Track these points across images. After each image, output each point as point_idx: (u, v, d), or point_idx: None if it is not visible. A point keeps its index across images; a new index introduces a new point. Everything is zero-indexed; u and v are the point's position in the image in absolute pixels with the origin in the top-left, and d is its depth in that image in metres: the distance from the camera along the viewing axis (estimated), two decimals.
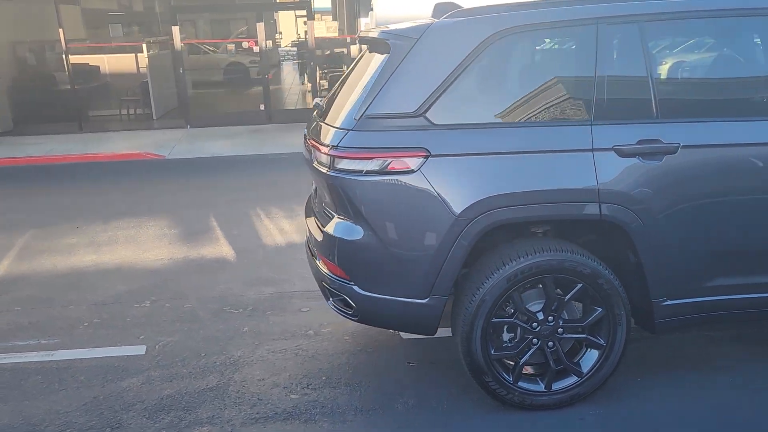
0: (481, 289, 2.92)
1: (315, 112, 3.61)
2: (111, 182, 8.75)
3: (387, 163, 2.86)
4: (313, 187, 3.67)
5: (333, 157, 2.95)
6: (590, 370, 3.09)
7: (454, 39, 2.97)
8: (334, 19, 23.29)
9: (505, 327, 3.08)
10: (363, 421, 3.15)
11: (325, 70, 14.95)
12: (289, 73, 25.50)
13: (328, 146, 2.99)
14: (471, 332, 2.97)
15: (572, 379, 3.11)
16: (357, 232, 2.97)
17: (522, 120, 2.98)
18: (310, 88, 15.31)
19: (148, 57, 13.55)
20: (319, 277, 3.36)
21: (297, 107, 15.55)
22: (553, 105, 3.01)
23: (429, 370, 3.58)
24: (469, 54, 2.91)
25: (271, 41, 22.49)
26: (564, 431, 3.03)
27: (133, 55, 14.44)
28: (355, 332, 4.01)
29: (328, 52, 16.15)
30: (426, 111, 2.90)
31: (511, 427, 3.06)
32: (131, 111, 13.95)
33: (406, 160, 2.85)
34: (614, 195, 2.88)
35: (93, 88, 14.21)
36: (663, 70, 3.16)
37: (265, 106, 13.24)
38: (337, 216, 3.10)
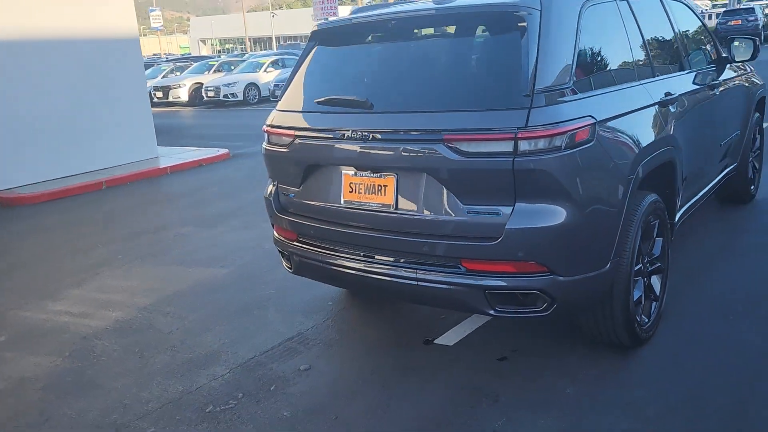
0: (629, 240, 3.10)
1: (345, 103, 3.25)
2: None
3: (574, 135, 2.79)
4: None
5: (522, 140, 2.72)
6: (660, 293, 3.60)
7: (568, 6, 3.08)
8: None
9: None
10: None
11: None
12: None
13: (509, 129, 2.74)
14: (628, 283, 3.14)
15: (654, 304, 3.55)
16: (557, 215, 2.80)
17: (634, 79, 3.47)
18: None
19: None
20: (467, 292, 2.96)
21: None
22: (647, 61, 3.70)
23: None
24: (578, 20, 3.08)
25: None
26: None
27: None
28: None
29: None
30: (573, 80, 2.95)
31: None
32: None
33: (586, 129, 2.85)
34: (676, 139, 3.67)
35: None
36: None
37: None
38: (518, 208, 2.81)
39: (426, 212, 3.02)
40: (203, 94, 22.77)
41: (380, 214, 3.16)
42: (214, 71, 25.01)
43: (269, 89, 21.18)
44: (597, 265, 2.96)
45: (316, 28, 3.67)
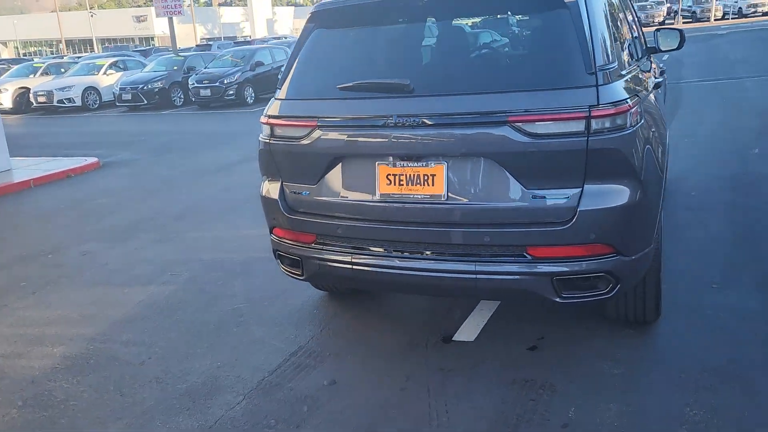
0: (660, 214, 3.23)
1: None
2: None
3: (633, 112, 2.75)
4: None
5: (595, 118, 2.64)
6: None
7: None
8: None
9: None
10: None
11: None
12: None
13: (582, 108, 2.64)
14: (660, 258, 3.28)
15: None
16: (624, 194, 2.75)
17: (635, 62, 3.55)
18: None
19: None
20: (533, 281, 2.85)
21: None
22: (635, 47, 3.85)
23: None
24: (604, 3, 3.11)
25: None
26: None
27: None
28: None
29: None
30: (616, 59, 2.95)
31: None
32: None
33: (638, 107, 2.85)
34: None
35: None
36: None
37: None
38: (587, 190, 2.74)
39: (484, 200, 2.86)
40: (32, 100, 20.33)
41: (428, 206, 2.94)
42: (41, 74, 22.46)
43: (114, 93, 19.41)
44: (649, 242, 2.99)
45: (315, 10, 3.33)
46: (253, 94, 17.57)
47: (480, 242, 2.86)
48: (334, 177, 3.13)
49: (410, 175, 2.95)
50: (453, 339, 3.61)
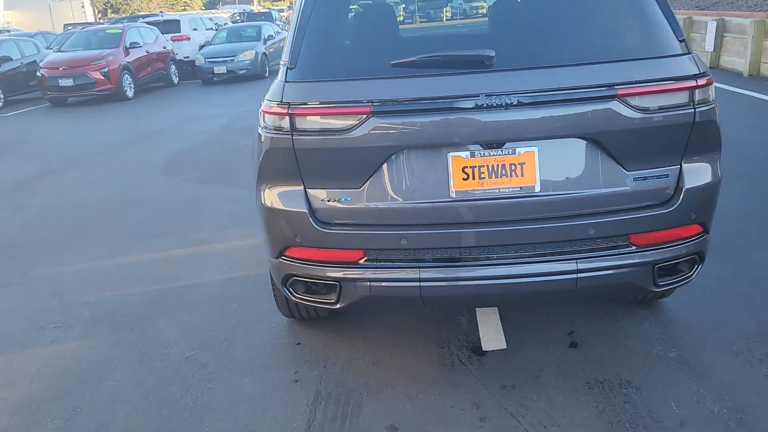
0: None
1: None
2: None
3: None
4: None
5: (699, 88, 2.46)
6: None
7: None
8: None
9: None
10: None
11: None
12: None
13: (689, 78, 2.45)
14: None
15: None
16: (714, 170, 2.61)
17: None
18: None
19: None
20: (636, 272, 2.59)
21: None
22: None
23: None
24: None
25: None
26: None
27: None
28: None
29: None
30: None
31: None
32: None
33: None
34: None
35: None
36: None
37: None
38: (685, 167, 2.56)
39: (582, 187, 2.50)
40: None
41: (518, 201, 2.48)
42: None
43: None
44: None
45: None
46: (1, 97, 14.61)
47: (582, 236, 2.50)
48: (387, 176, 2.50)
49: (493, 165, 2.47)
50: (485, 350, 3.20)
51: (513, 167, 2.47)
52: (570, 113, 2.41)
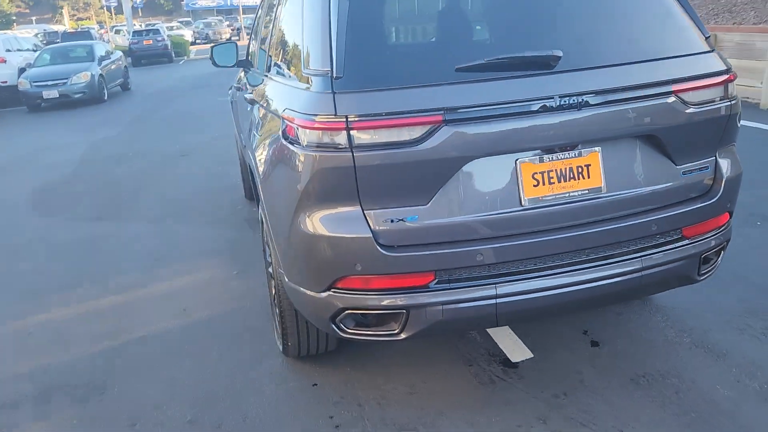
0: None
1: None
2: None
3: None
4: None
5: (729, 82, 2.57)
6: None
7: None
8: None
9: None
10: None
11: None
12: None
13: (722, 73, 2.57)
14: None
15: None
16: (738, 159, 2.73)
17: None
18: None
19: None
20: (688, 264, 2.64)
21: None
22: None
23: None
24: None
25: None
26: None
27: None
28: None
29: None
30: None
31: None
32: None
33: None
34: None
35: None
36: None
37: None
38: (719, 158, 2.66)
39: (642, 185, 2.49)
40: None
41: (586, 204, 2.42)
42: None
43: None
44: None
45: None
46: None
47: (646, 233, 2.50)
48: (456, 189, 2.31)
49: (561, 169, 2.38)
50: (514, 361, 3.10)
51: (579, 170, 2.40)
52: (634, 110, 2.40)
